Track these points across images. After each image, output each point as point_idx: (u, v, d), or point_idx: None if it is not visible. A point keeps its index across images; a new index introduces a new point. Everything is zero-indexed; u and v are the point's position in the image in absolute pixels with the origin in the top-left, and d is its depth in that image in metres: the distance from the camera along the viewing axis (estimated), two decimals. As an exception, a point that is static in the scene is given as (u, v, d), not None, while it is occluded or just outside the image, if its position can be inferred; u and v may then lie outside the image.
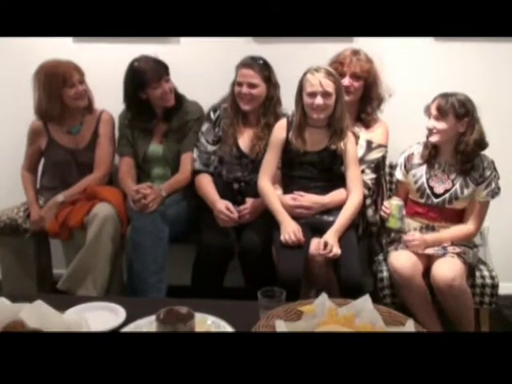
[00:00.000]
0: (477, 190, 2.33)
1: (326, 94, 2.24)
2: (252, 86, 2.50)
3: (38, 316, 1.34)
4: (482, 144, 2.31)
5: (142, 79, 2.59)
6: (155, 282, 2.45)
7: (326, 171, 2.35)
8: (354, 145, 2.39)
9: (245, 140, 2.60)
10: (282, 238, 2.22)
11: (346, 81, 2.48)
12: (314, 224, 2.34)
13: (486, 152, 2.35)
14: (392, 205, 2.34)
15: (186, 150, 2.67)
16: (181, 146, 2.69)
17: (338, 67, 2.47)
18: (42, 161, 2.84)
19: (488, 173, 2.32)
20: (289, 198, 2.36)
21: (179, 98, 2.72)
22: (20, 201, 2.79)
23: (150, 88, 2.60)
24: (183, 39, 2.84)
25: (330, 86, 2.24)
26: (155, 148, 2.74)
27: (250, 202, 2.51)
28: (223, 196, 2.54)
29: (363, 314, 1.40)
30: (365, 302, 1.45)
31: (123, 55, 2.64)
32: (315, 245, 2.27)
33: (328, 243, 2.19)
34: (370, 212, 2.50)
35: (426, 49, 2.76)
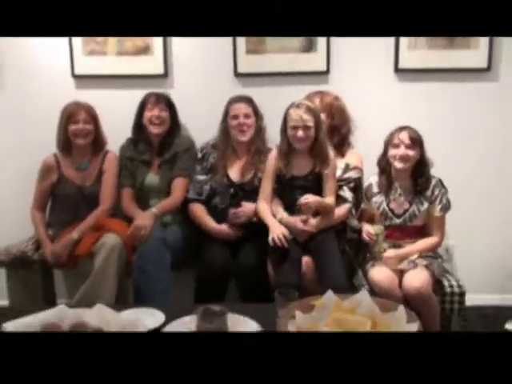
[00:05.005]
0: (431, 207, 2.69)
1: (306, 128, 2.58)
2: (247, 116, 2.88)
3: (99, 317, 1.60)
4: (430, 164, 2.70)
5: (144, 100, 2.99)
6: (161, 301, 2.65)
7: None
8: (335, 166, 2.71)
9: (234, 170, 2.94)
10: (269, 239, 2.53)
11: None
12: (306, 243, 2.63)
13: (442, 175, 2.75)
14: (377, 234, 2.65)
15: (177, 175, 2.99)
16: (172, 175, 3.00)
17: None
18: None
19: (437, 191, 2.69)
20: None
21: (173, 133, 3.05)
22: (28, 235, 3.02)
23: (146, 109, 2.97)
24: (177, 83, 3.18)
25: (309, 121, 2.57)
26: (152, 178, 3.04)
27: (245, 205, 2.81)
28: (219, 222, 2.86)
29: (363, 305, 1.72)
30: (363, 295, 1.78)
31: (121, 100, 3.03)
32: (306, 263, 2.59)
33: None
34: (354, 222, 2.84)
35: (390, 87, 3.19)
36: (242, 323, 1.80)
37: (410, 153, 2.64)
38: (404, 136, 2.65)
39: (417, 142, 2.65)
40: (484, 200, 3.27)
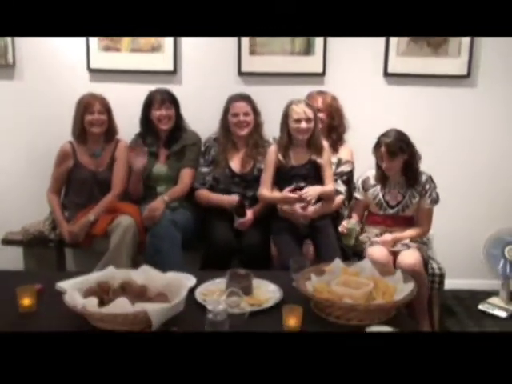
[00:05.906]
0: (421, 200, 2.98)
1: (308, 120, 2.88)
2: (246, 114, 3.18)
3: (145, 276, 1.87)
4: (418, 158, 2.96)
5: (150, 99, 3.24)
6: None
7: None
8: (330, 156, 3.01)
9: (235, 162, 3.23)
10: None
11: None
12: (307, 229, 2.93)
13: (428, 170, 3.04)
14: (350, 229, 2.85)
15: (185, 166, 3.26)
16: (180, 165, 3.27)
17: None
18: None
19: (427, 186, 2.98)
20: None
21: (179, 128, 3.32)
22: (43, 216, 3.25)
23: (153, 108, 3.22)
24: (185, 80, 3.47)
25: (310, 114, 2.88)
26: (160, 168, 3.29)
27: (249, 212, 3.07)
28: (222, 209, 3.12)
29: (366, 270, 2.06)
30: (366, 262, 2.12)
31: (132, 93, 3.30)
32: (306, 248, 2.91)
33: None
34: (347, 212, 3.16)
35: (379, 90, 3.52)
36: (263, 285, 2.10)
37: (393, 164, 2.90)
38: (383, 150, 2.86)
39: (396, 152, 2.85)
40: (456, 193, 3.56)
